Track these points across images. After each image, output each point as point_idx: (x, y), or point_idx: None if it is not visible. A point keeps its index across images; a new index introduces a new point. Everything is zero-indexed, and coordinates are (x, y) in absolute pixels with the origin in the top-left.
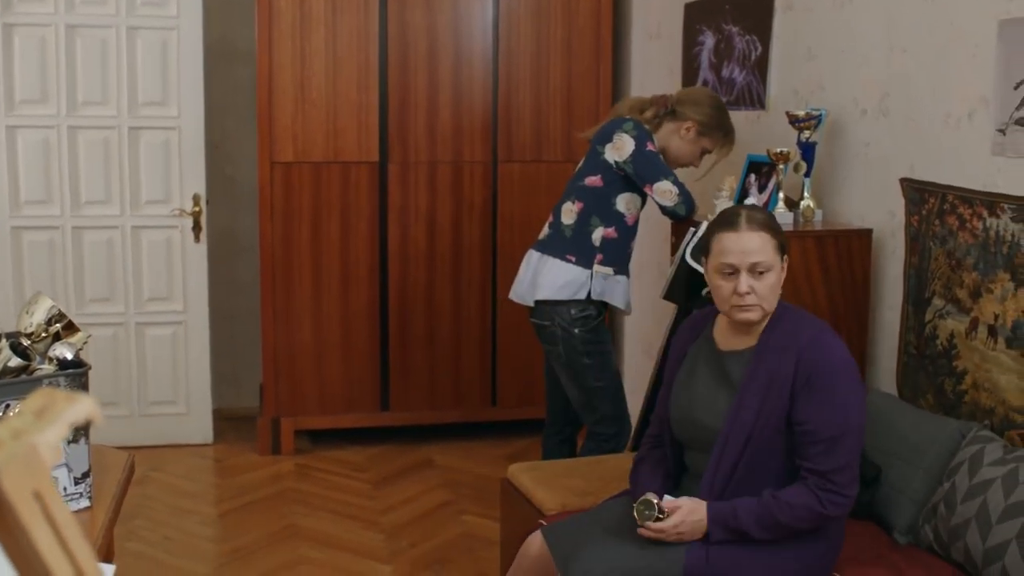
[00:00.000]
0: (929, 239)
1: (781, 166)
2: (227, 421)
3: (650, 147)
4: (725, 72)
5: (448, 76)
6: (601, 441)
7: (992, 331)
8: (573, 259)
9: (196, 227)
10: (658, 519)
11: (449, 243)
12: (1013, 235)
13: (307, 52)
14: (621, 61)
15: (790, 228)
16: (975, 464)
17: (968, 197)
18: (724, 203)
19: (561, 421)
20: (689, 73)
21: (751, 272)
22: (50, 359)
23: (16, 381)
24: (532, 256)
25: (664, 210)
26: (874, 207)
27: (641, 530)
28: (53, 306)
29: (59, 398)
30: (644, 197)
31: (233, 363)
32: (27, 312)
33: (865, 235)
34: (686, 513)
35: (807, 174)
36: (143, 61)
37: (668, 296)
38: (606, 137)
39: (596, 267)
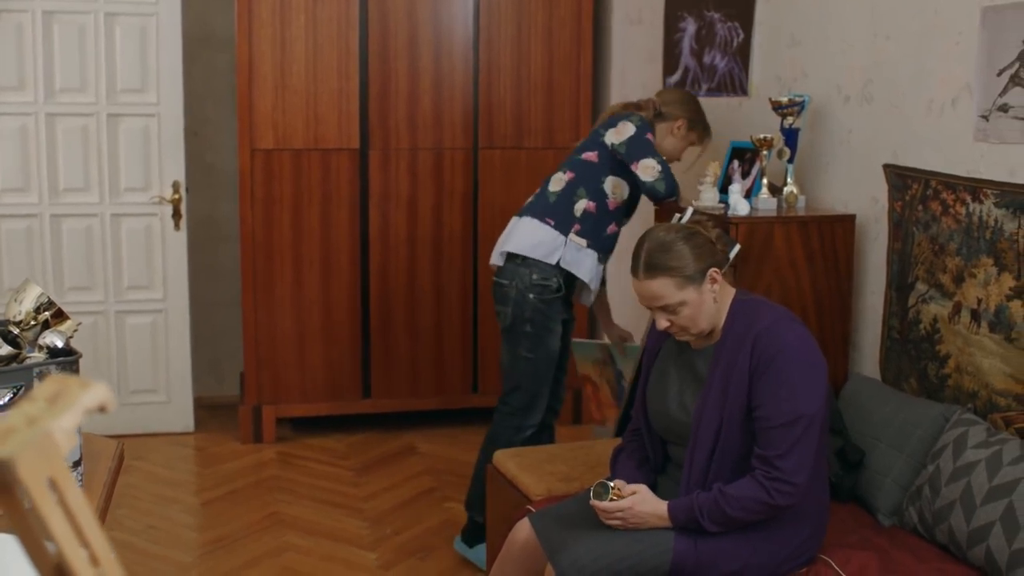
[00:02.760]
0: (912, 224)
1: (765, 152)
2: (207, 409)
3: (649, 136)
4: (707, 59)
5: (429, 63)
6: (507, 413)
7: (975, 315)
8: (552, 223)
9: (176, 215)
10: (611, 500)
11: (430, 230)
12: (996, 220)
13: (287, 39)
14: (602, 47)
15: (773, 214)
16: (959, 447)
17: (951, 183)
18: (708, 189)
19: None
20: (670, 60)
21: (664, 311)
22: (40, 347)
23: (7, 369)
24: (512, 221)
25: (644, 186)
26: (857, 193)
27: (593, 502)
28: (42, 294)
29: (72, 384)
30: (630, 190)
31: (213, 351)
32: (16, 300)
33: (848, 221)
34: (637, 501)
35: (790, 160)
36: (122, 48)
37: None
38: (611, 124)
39: (572, 235)
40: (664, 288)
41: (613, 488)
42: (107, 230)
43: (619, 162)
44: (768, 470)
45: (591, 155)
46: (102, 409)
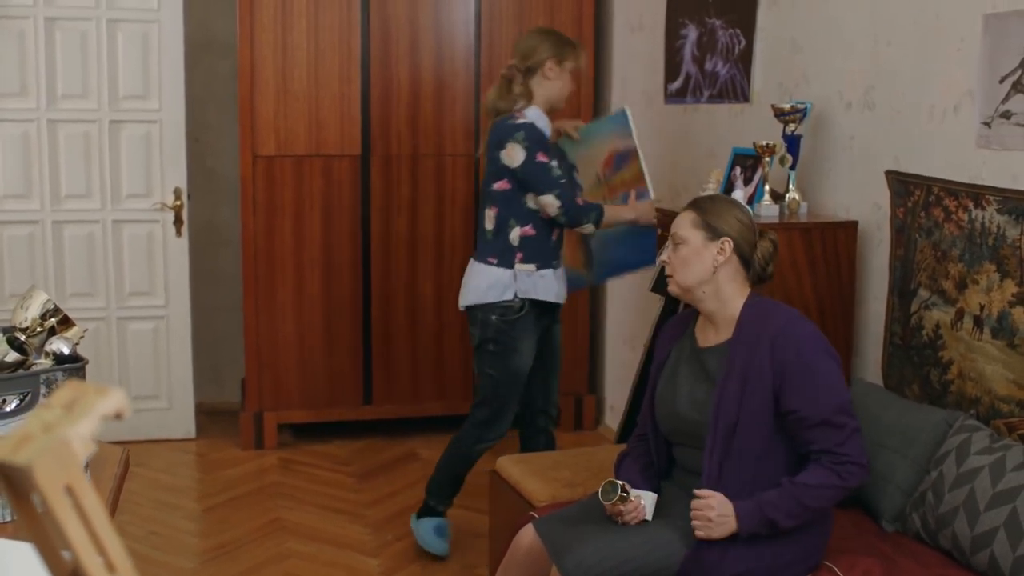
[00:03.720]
0: (915, 231)
1: (767, 159)
2: (208, 415)
3: (540, 157)
4: (708, 65)
5: (430, 69)
6: (473, 424)
7: (978, 321)
8: (495, 261)
9: (178, 221)
10: (622, 498)
11: (432, 236)
12: (999, 227)
13: (289, 45)
14: (603, 54)
15: (775, 220)
16: (962, 453)
17: (954, 189)
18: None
19: (532, 413)
20: (671, 66)
21: (672, 240)
22: (46, 353)
23: (13, 376)
24: (469, 264)
25: (548, 218)
26: (859, 199)
27: (612, 507)
28: (48, 300)
29: (89, 391)
30: None
31: (214, 357)
32: (22, 307)
33: (851, 227)
34: (720, 501)
35: (792, 167)
36: (123, 54)
37: (656, 288)
38: (500, 144)
39: (517, 266)
40: (685, 219)
41: (622, 486)
42: (109, 236)
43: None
44: (834, 457)
45: (502, 184)
46: (118, 416)
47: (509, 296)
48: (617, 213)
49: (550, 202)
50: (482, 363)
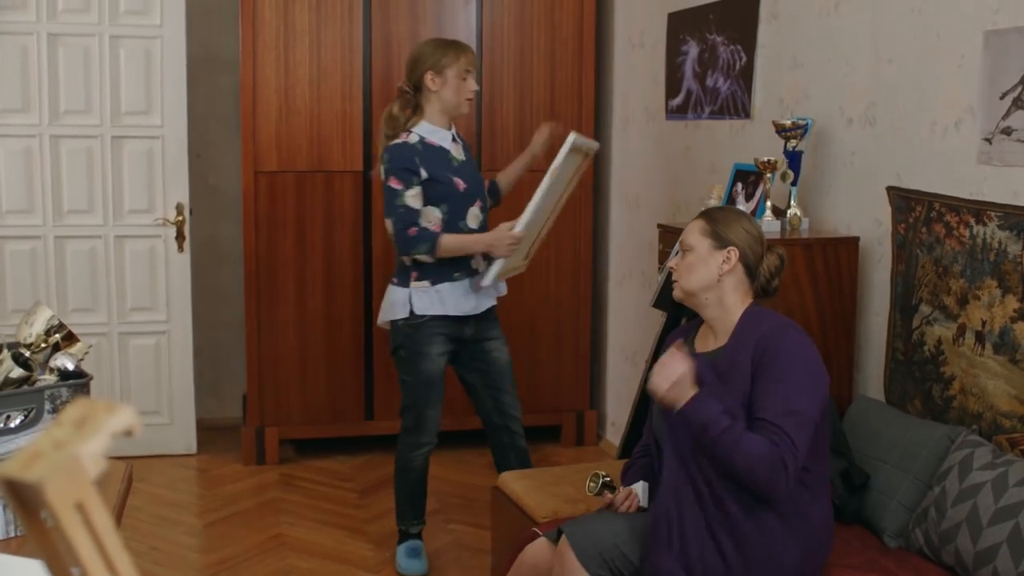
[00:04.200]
0: (916, 246)
1: (768, 175)
2: (210, 431)
3: (391, 182)
4: (709, 81)
5: None
6: (402, 432)
7: (979, 337)
8: (396, 280)
9: (179, 236)
10: (606, 484)
11: None
12: (1000, 242)
13: (291, 62)
14: (604, 70)
15: (777, 236)
16: (965, 468)
17: (955, 205)
18: None
19: (492, 430)
20: (672, 82)
21: (681, 245)
22: (51, 369)
23: (18, 392)
24: None
25: None
26: (860, 215)
27: (603, 500)
28: (52, 316)
29: (99, 408)
30: (444, 204)
31: (215, 372)
32: (26, 322)
33: (852, 243)
34: (684, 371)
35: (794, 183)
36: (126, 70)
37: (658, 304)
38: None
39: (412, 284)
40: (694, 227)
41: (604, 476)
42: (111, 252)
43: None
44: (779, 434)
45: None
46: (128, 433)
47: (405, 313)
48: (467, 243)
49: (388, 227)
50: (399, 369)
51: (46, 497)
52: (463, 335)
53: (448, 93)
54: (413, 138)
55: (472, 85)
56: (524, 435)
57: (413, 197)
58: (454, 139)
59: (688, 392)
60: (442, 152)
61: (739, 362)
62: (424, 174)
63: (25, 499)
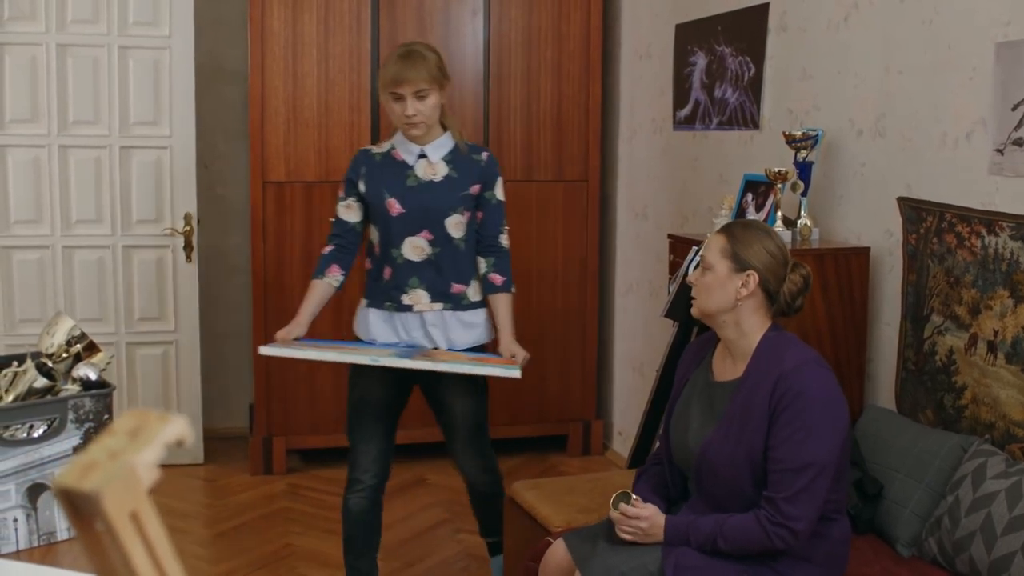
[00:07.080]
0: (927, 257)
1: (779, 185)
2: (217, 441)
3: (340, 192)
4: (717, 92)
5: None
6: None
7: (992, 347)
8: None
9: (187, 246)
10: (621, 496)
11: None
12: (1012, 252)
13: (299, 73)
14: (611, 82)
15: (788, 246)
16: (978, 477)
17: (966, 215)
18: (724, 222)
19: (466, 483)
20: (680, 93)
21: (702, 262)
22: (74, 379)
23: (43, 402)
24: None
25: None
26: (871, 226)
27: (614, 514)
28: (74, 326)
29: (152, 418)
30: (376, 226)
31: (223, 382)
32: (48, 332)
33: (863, 253)
34: (655, 512)
35: (804, 193)
36: (134, 80)
37: (669, 314)
38: None
39: (362, 300)
40: (715, 244)
41: (634, 499)
42: (119, 262)
43: (364, 211)
44: (772, 513)
45: None
46: (179, 443)
47: (355, 330)
48: (304, 303)
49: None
50: None
51: (103, 507)
52: (407, 370)
53: (389, 109)
54: (384, 146)
55: (405, 110)
56: (492, 492)
57: (346, 208)
58: (422, 155)
59: (659, 532)
60: (401, 168)
61: (755, 403)
62: (362, 187)
63: (80, 508)
